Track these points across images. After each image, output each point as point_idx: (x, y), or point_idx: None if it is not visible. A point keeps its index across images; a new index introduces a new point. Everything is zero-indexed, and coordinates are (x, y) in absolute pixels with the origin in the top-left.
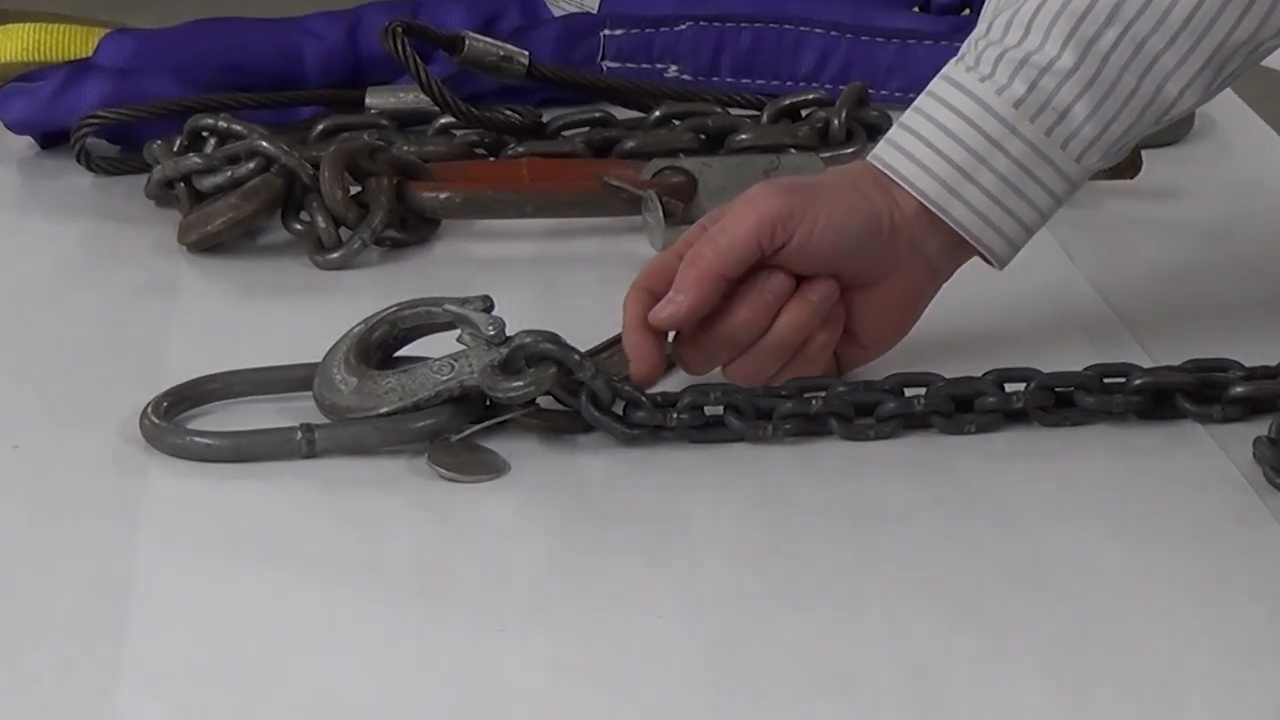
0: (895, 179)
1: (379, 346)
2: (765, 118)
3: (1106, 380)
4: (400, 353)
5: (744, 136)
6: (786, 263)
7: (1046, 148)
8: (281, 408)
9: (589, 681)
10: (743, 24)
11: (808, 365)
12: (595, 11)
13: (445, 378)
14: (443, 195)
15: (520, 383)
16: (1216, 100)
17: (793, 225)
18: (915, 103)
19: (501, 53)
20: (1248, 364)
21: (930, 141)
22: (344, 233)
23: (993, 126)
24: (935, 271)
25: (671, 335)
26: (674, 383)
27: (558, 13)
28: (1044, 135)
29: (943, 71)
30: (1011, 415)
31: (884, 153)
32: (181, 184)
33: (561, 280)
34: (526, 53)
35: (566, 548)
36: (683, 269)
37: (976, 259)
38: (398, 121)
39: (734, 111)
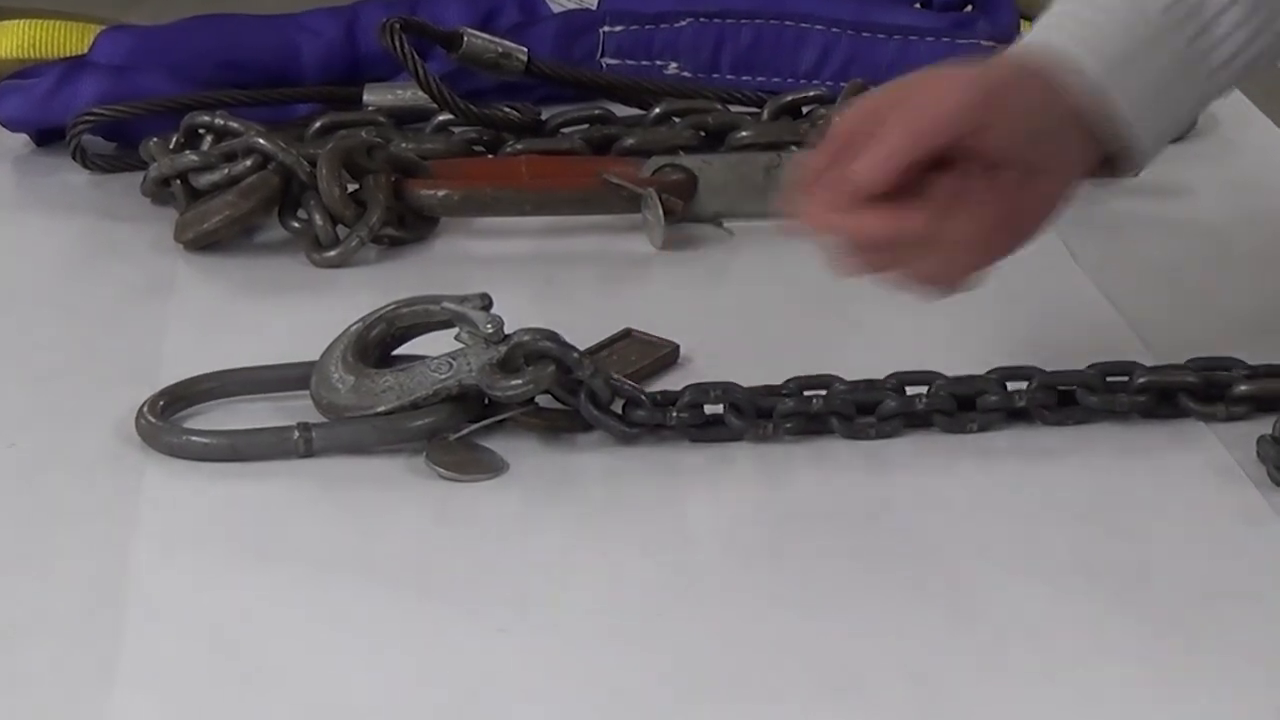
0: (1082, 78)
1: (377, 345)
2: (766, 115)
3: (1110, 379)
4: (398, 351)
5: (744, 134)
6: (977, 146)
7: (1191, 56)
8: (278, 407)
9: (589, 682)
10: (743, 20)
11: (944, 263)
12: (594, 8)
13: (443, 376)
14: (441, 193)
15: (519, 381)
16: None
17: (987, 113)
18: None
19: (500, 49)
20: (1251, 362)
21: (1095, 24)
22: (341, 230)
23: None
24: (1093, 167)
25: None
26: (673, 381)
27: (557, 9)
28: (1187, 44)
29: None
30: (1014, 414)
31: (1047, 38)
32: (178, 181)
33: (561, 278)
34: (525, 49)
35: (566, 547)
36: (880, 143)
37: None
38: (396, 119)
39: (734, 109)
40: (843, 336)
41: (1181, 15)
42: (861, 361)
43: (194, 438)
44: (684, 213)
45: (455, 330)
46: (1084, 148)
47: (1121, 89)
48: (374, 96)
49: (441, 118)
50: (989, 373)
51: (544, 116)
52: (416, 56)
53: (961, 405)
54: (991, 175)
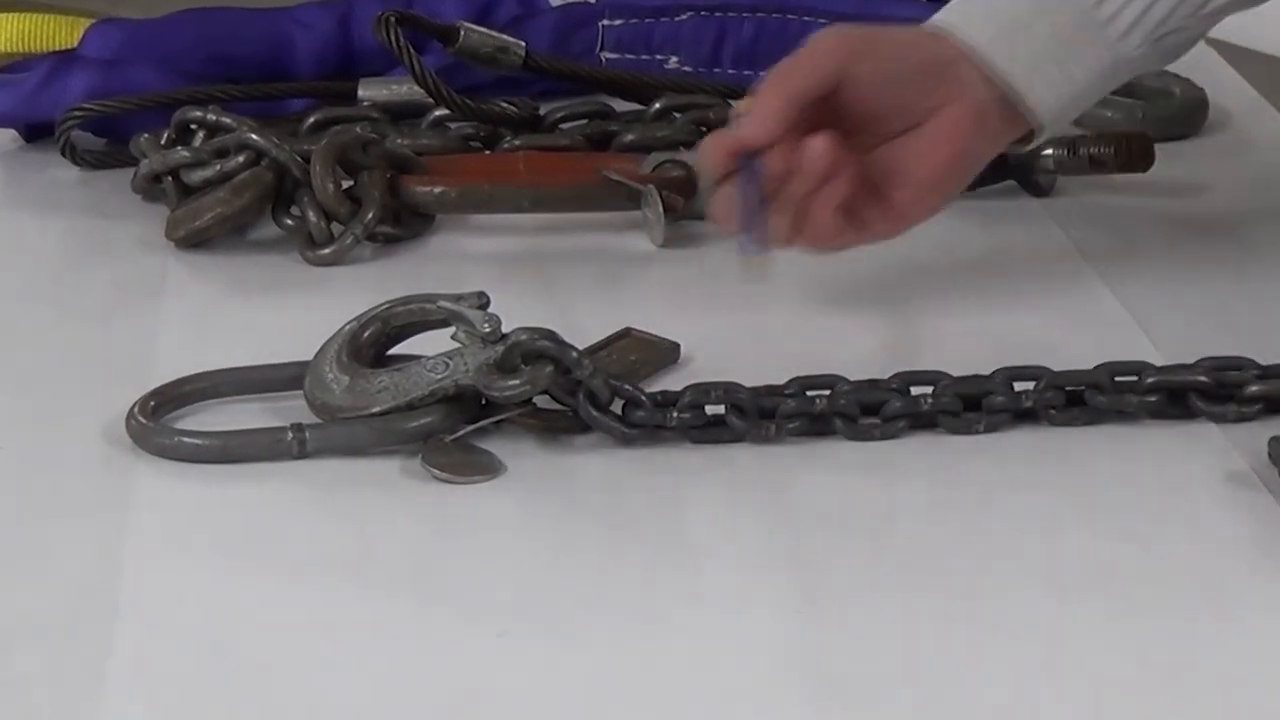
0: (957, 36)
1: (371, 344)
2: None
3: (1118, 379)
4: (393, 351)
5: None
6: (849, 98)
7: (1093, 18)
8: (271, 407)
9: (588, 688)
10: (745, 14)
11: (812, 228)
12: (593, 1)
13: (439, 376)
14: (437, 190)
15: (516, 381)
16: (1231, 92)
17: (859, 56)
18: None
19: (497, 43)
20: (1263, 362)
21: (986, 2)
22: (336, 228)
23: None
24: (985, 118)
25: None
26: (674, 381)
27: (555, 2)
28: (1093, 6)
29: None
30: (1021, 415)
31: (944, 17)
32: (169, 178)
33: (559, 277)
34: (523, 43)
35: (564, 551)
36: (759, 90)
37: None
38: (391, 114)
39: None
40: (846, 336)
41: None
42: (866, 361)
43: (185, 439)
44: (685, 210)
45: (451, 329)
46: (966, 94)
47: (1008, 51)
48: (369, 91)
49: (438, 113)
50: (995, 373)
51: (542, 112)
52: (412, 50)
53: (967, 406)
54: (864, 136)
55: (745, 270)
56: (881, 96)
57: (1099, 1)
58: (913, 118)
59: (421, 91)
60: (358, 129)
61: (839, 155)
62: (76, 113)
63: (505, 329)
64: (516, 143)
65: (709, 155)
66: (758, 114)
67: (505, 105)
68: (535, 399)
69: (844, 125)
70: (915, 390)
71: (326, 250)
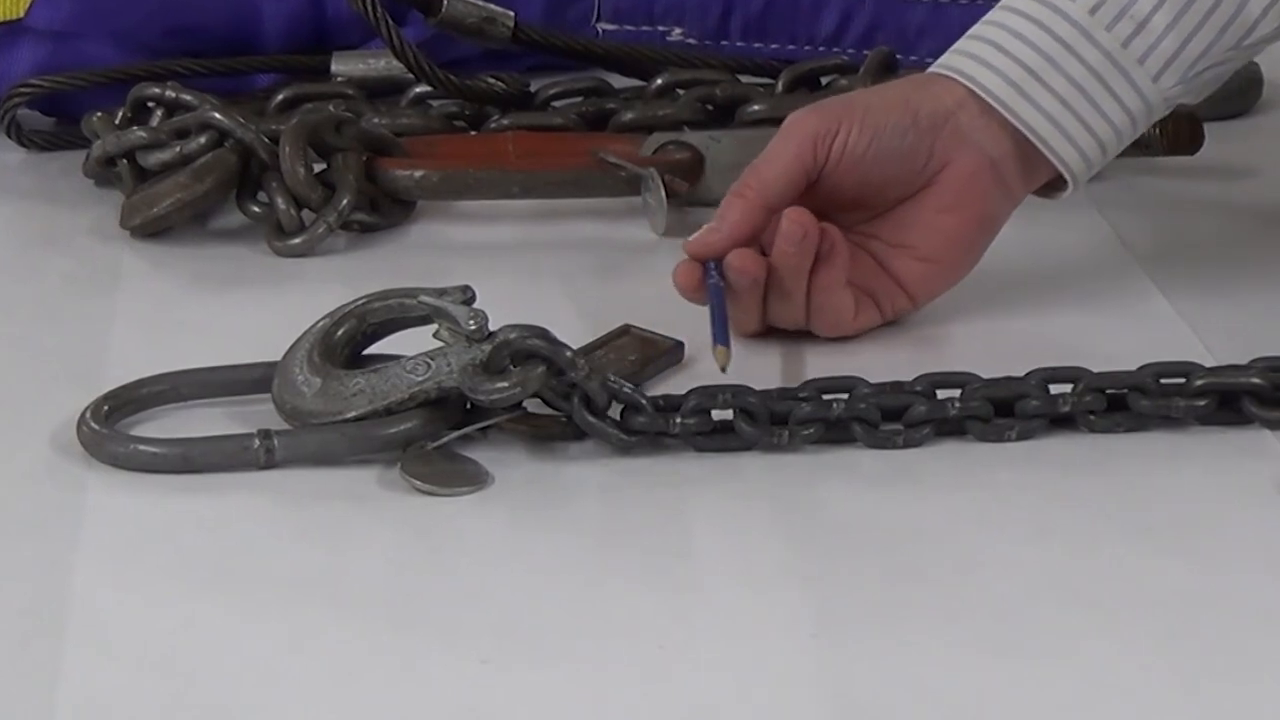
0: (958, 78)
1: (346, 343)
2: (780, 86)
3: (1164, 381)
4: (370, 350)
5: (756, 107)
6: (835, 180)
7: (1122, 58)
8: (237, 412)
9: (581, 719)
10: None
11: (817, 314)
12: None
13: (420, 378)
14: (418, 174)
15: (505, 384)
16: None
17: (830, 139)
18: (986, 16)
19: (484, 13)
20: None
21: (999, 44)
22: (307, 216)
23: (1065, 30)
24: (999, 173)
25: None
26: (677, 383)
27: None
28: (1120, 46)
29: None
30: (1057, 420)
31: (947, 58)
32: (124, 161)
33: (551, 269)
34: (512, 14)
35: (556, 570)
36: (728, 199)
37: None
38: (367, 91)
39: (745, 79)
40: (866, 334)
41: (1111, 17)
42: (887, 362)
43: (142, 447)
44: (689, 195)
45: (433, 327)
46: (969, 150)
47: (1027, 101)
48: (343, 66)
49: (418, 90)
50: (1029, 374)
51: (533, 88)
52: (390, 21)
53: (999, 410)
54: (862, 210)
55: (716, 360)
56: (871, 168)
57: (1128, 39)
58: (911, 185)
59: (401, 66)
60: (330, 107)
61: (829, 231)
62: (23, 89)
63: (492, 326)
64: (505, 122)
65: (679, 273)
66: (722, 219)
67: (492, 81)
68: (525, 403)
69: (839, 203)
70: (941, 394)
71: (296, 240)
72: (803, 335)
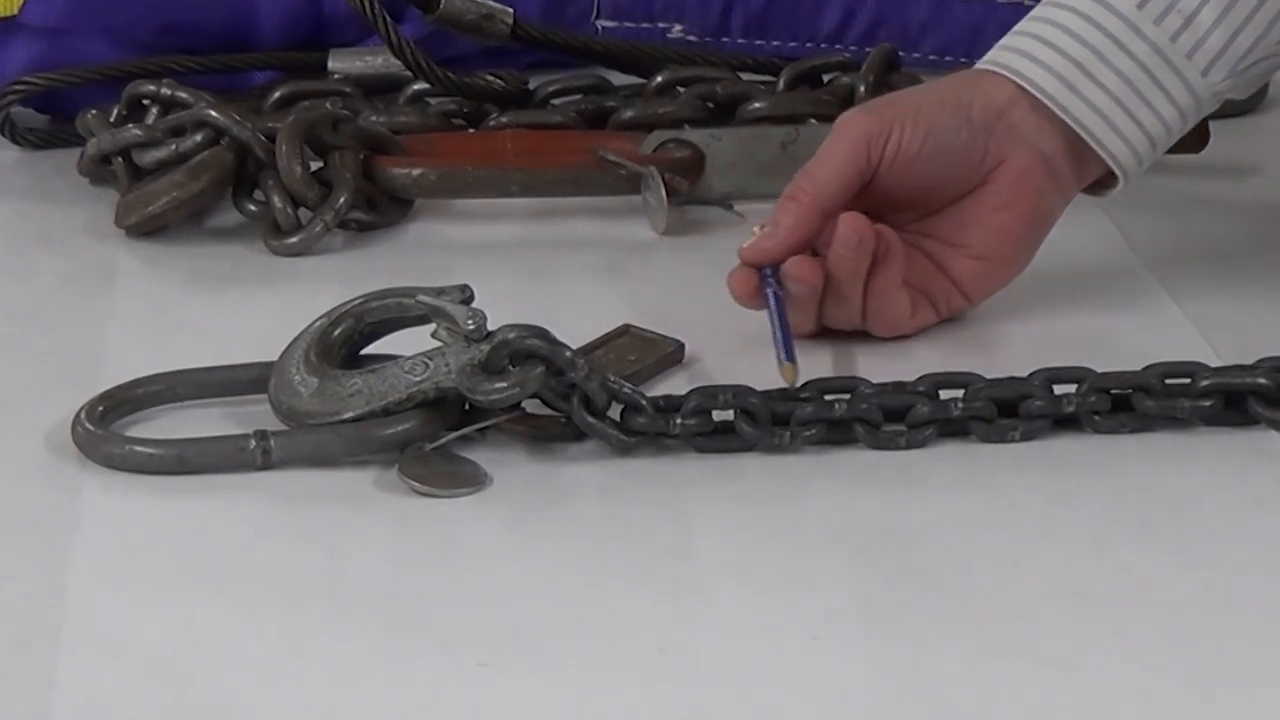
0: (1010, 76)
1: (343, 343)
2: (782, 84)
3: (1169, 381)
4: (367, 350)
5: (757, 105)
6: (889, 181)
7: (1171, 53)
8: (233, 413)
9: None
10: None
11: (874, 315)
12: None
13: (418, 378)
14: (415, 172)
15: (503, 384)
16: None
17: (884, 139)
18: (1032, 11)
19: (483, 10)
20: None
21: (1048, 39)
22: (303, 214)
23: (1114, 25)
24: (1052, 170)
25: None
26: (678, 383)
27: None
28: (1169, 40)
29: None
30: (1061, 421)
31: (995, 54)
32: (119, 159)
33: (551, 268)
34: (511, 10)
35: (555, 572)
36: (782, 203)
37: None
38: (364, 88)
39: (746, 77)
40: (868, 334)
41: (1159, 11)
42: (889, 362)
43: (137, 448)
44: (689, 194)
45: (431, 327)
46: (1023, 147)
47: (1078, 97)
48: (340, 63)
49: (416, 87)
50: (1033, 374)
51: (532, 86)
52: (388, 18)
53: (1002, 411)
54: (916, 210)
55: (784, 378)
56: (925, 167)
57: (1176, 33)
58: (966, 183)
59: (398, 63)
60: (328, 105)
61: (885, 234)
62: (17, 87)
63: (491, 326)
64: (503, 120)
65: (734, 280)
66: (777, 224)
67: (491, 79)
68: (524, 403)
69: (892, 203)
70: (944, 394)
71: (293, 239)
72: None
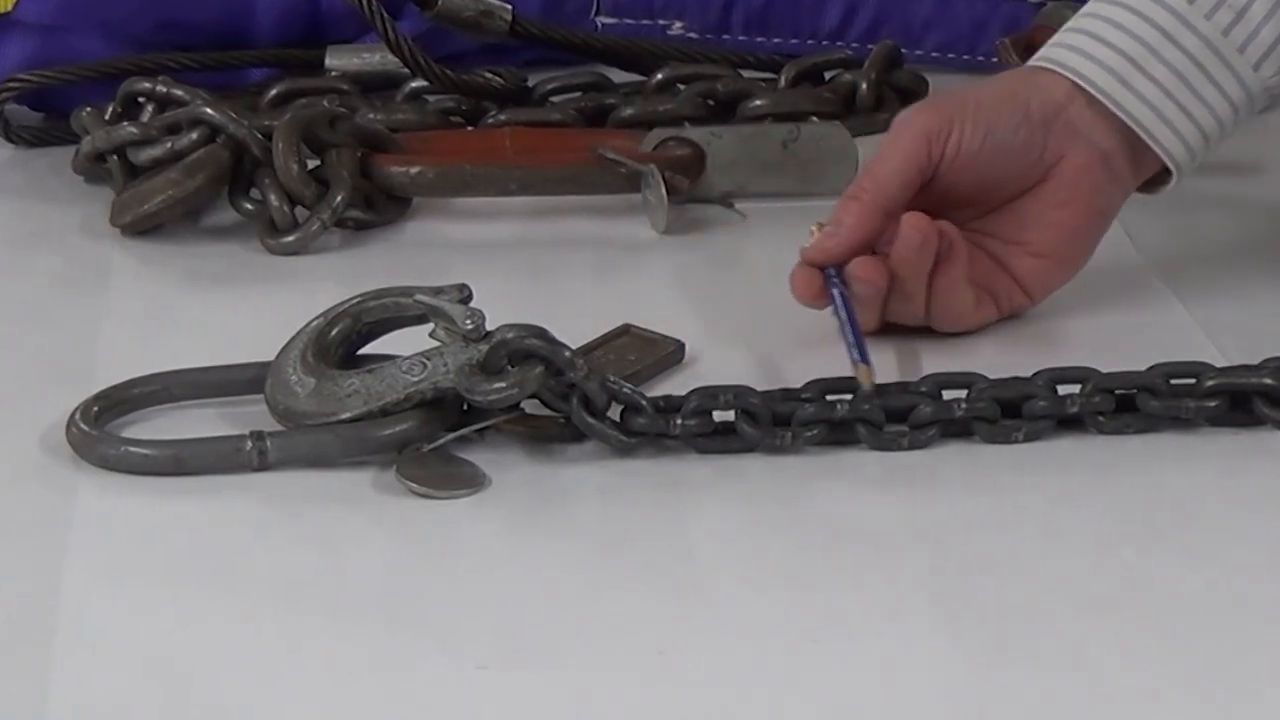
0: (1062, 71)
1: (340, 343)
2: (783, 81)
3: (1174, 381)
4: (364, 350)
5: (758, 103)
6: (949, 178)
7: (1222, 47)
8: (229, 413)
9: None
10: None
11: (938, 312)
12: None
13: (416, 379)
14: (413, 170)
15: (502, 384)
16: None
17: (944, 136)
18: (1084, 8)
19: (481, 7)
20: None
21: (1098, 35)
22: (300, 213)
23: (1164, 19)
24: (1111, 166)
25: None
26: (678, 383)
27: None
28: (1220, 34)
29: None
30: (1065, 421)
31: (1048, 51)
32: (114, 157)
33: (550, 267)
34: (510, 7)
35: (554, 574)
36: (843, 201)
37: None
38: (362, 86)
39: (747, 74)
40: (871, 334)
41: (1210, 5)
42: (892, 363)
43: (133, 449)
44: (690, 192)
45: (429, 326)
46: (1081, 143)
47: (1129, 91)
48: (337, 60)
49: (414, 85)
50: (1037, 375)
51: (531, 83)
52: (386, 15)
53: (1006, 411)
54: (976, 207)
55: (859, 379)
56: (985, 164)
57: (1228, 27)
58: (1025, 180)
59: (396, 60)
60: (325, 102)
61: (947, 231)
62: (11, 84)
63: (490, 326)
64: (502, 118)
65: (798, 280)
66: (839, 224)
67: (490, 76)
68: (523, 404)
69: (952, 201)
70: (948, 394)
71: (290, 238)
72: (807, 332)
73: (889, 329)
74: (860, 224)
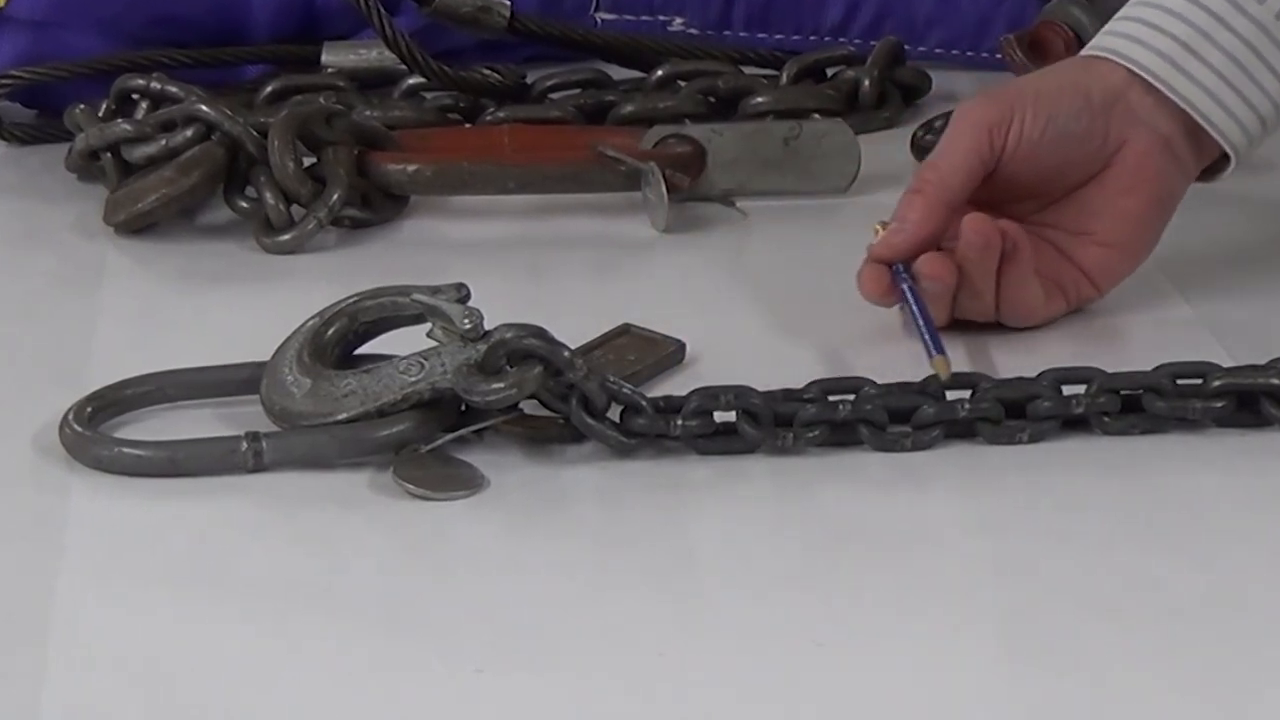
0: (1115, 59)
1: (337, 343)
2: (784, 78)
3: (1180, 382)
4: (361, 350)
5: (760, 100)
6: (1012, 169)
7: (1276, 30)
8: (224, 414)
9: None
10: None
11: (1007, 307)
12: None
13: (413, 379)
14: (411, 168)
15: (501, 384)
16: None
17: (1005, 127)
18: None
19: (479, 2)
20: None
21: (1151, 21)
22: (296, 211)
23: (1215, 3)
24: (1172, 150)
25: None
26: (678, 384)
27: None
28: (1273, 18)
29: None
30: (1070, 422)
31: (1101, 40)
32: (108, 155)
33: (548, 266)
34: (508, 3)
35: (553, 577)
36: (908, 196)
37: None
38: (358, 82)
39: (748, 71)
40: (873, 333)
41: None
42: (895, 362)
43: (127, 450)
44: (690, 190)
45: (427, 326)
46: (1142, 129)
47: (1184, 76)
48: (333, 57)
49: (411, 81)
50: (1041, 375)
51: (529, 80)
52: (382, 10)
53: (1010, 412)
54: (1038, 199)
55: (937, 372)
56: (1048, 154)
57: None
58: (1088, 168)
59: (393, 57)
60: (321, 99)
61: (1009, 230)
62: (4, 81)
63: (488, 325)
64: (501, 115)
65: (866, 278)
66: (904, 220)
67: (488, 72)
68: (522, 404)
69: (1015, 192)
70: (951, 395)
71: (286, 236)
72: (809, 331)
73: (963, 327)
74: (925, 219)
